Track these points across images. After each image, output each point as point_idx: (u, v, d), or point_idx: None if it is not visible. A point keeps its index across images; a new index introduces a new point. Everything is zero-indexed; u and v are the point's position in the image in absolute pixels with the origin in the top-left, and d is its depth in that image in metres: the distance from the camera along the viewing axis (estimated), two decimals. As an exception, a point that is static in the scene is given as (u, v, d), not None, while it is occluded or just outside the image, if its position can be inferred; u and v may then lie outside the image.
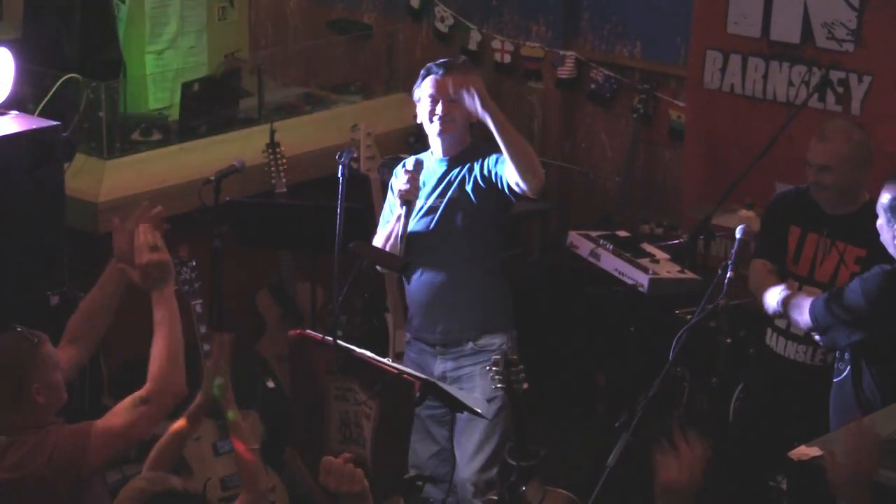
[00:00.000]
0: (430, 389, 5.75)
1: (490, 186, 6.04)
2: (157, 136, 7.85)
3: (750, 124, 6.90)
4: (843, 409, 5.40)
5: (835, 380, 5.61)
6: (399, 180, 6.07)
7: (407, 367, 6.06)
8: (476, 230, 6.18)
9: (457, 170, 6.16)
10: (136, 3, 8.42)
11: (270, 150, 7.30)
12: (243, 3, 9.02)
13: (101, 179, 7.22)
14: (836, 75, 6.77)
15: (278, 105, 8.35)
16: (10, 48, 6.52)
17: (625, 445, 5.22)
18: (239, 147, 7.52)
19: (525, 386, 5.69)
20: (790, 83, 6.94)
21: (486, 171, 6.09)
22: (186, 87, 8.08)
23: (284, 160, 7.32)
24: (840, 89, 6.79)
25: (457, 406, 5.78)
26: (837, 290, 5.45)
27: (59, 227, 6.52)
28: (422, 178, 6.15)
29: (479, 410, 5.84)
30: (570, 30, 8.08)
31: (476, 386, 6.16)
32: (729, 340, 6.31)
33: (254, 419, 6.78)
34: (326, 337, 5.74)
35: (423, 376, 6.05)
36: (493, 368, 5.57)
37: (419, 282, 6.26)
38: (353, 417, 6.11)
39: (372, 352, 5.87)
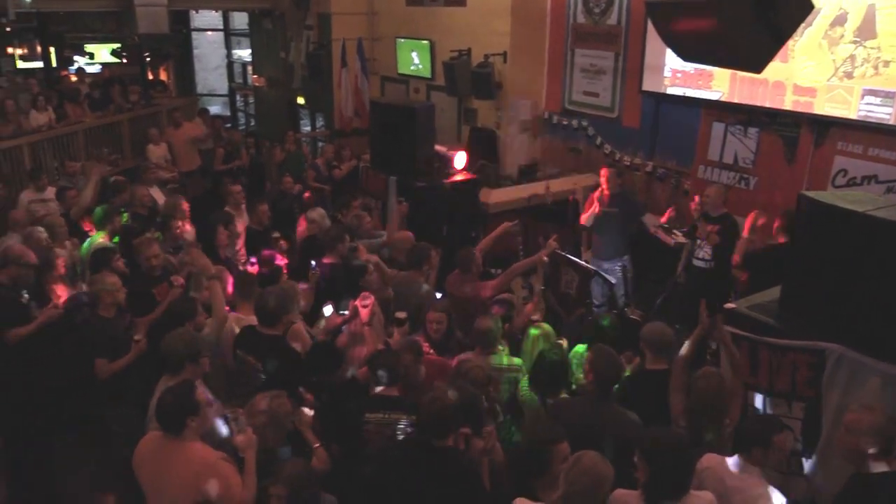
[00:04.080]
0: (594, 274, 7.00)
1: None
2: (507, 183, 8.69)
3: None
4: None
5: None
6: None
7: (592, 264, 6.90)
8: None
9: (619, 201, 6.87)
10: (504, 130, 9.27)
11: (548, 189, 7.81)
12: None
13: (491, 195, 7.82)
14: (744, 176, 7.20)
15: (551, 175, 8.75)
16: (465, 150, 7.83)
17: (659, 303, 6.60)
18: (535, 188, 8.03)
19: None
20: (729, 179, 7.28)
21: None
22: (521, 167, 9.08)
23: (550, 191, 7.81)
24: (745, 180, 7.19)
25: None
26: None
27: (478, 211, 7.60)
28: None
29: (613, 281, 6.99)
30: (650, 154, 8.25)
31: (618, 272, 7.05)
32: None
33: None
34: (564, 254, 6.94)
35: (592, 268, 6.99)
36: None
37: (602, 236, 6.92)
38: (567, 279, 7.22)
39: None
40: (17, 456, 4.61)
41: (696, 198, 6.39)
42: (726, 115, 7.39)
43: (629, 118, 8.55)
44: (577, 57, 9.03)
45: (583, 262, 7.10)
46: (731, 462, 3.33)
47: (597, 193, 7.00)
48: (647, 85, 8.18)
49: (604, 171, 7.09)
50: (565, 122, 9.34)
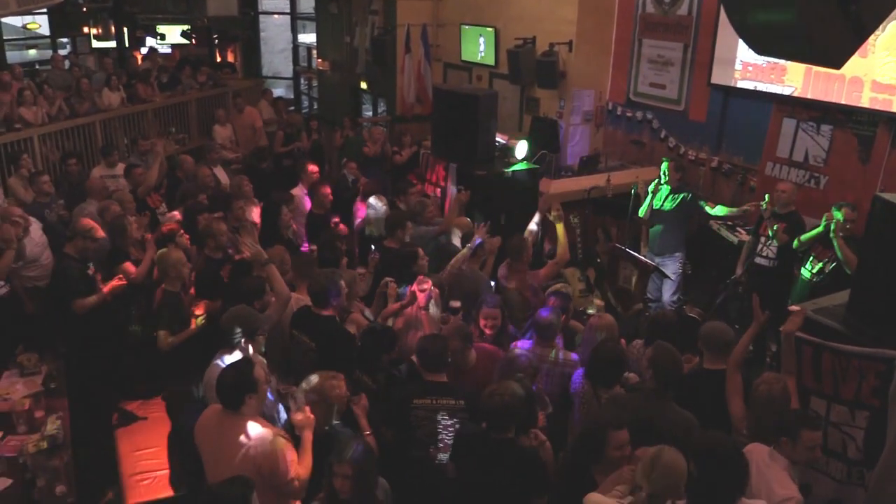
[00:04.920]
0: (654, 269, 7.00)
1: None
2: (567, 174, 8.39)
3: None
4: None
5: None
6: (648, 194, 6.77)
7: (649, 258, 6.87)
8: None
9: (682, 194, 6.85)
10: (567, 121, 9.09)
11: (609, 181, 7.55)
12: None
13: (551, 185, 7.60)
14: (814, 175, 7.04)
15: (612, 167, 8.40)
16: (526, 140, 7.52)
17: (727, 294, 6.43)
18: (596, 180, 7.80)
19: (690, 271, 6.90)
20: (798, 178, 7.12)
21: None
22: (583, 158, 8.67)
23: (611, 184, 7.57)
24: (815, 179, 7.04)
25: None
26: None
27: (535, 200, 6.93)
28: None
29: (672, 277, 6.83)
30: (716, 149, 8.11)
31: (670, 268, 6.93)
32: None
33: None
34: (624, 248, 7.02)
35: (650, 262, 6.92)
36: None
37: (658, 232, 6.90)
38: (625, 273, 7.30)
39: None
40: (82, 419, 4.77)
41: (769, 196, 6.28)
42: (799, 110, 7.19)
43: (696, 111, 8.40)
44: (645, 47, 8.91)
45: (642, 258, 7.02)
46: (768, 450, 3.34)
47: (654, 186, 6.92)
48: (717, 78, 8.01)
49: (664, 165, 7.00)
50: (629, 114, 9.20)
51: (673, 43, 8.54)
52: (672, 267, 6.96)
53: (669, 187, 6.85)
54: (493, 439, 3.39)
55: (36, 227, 5.96)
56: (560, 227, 5.56)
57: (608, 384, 3.95)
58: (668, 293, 7.00)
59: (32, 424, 4.44)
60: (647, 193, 6.96)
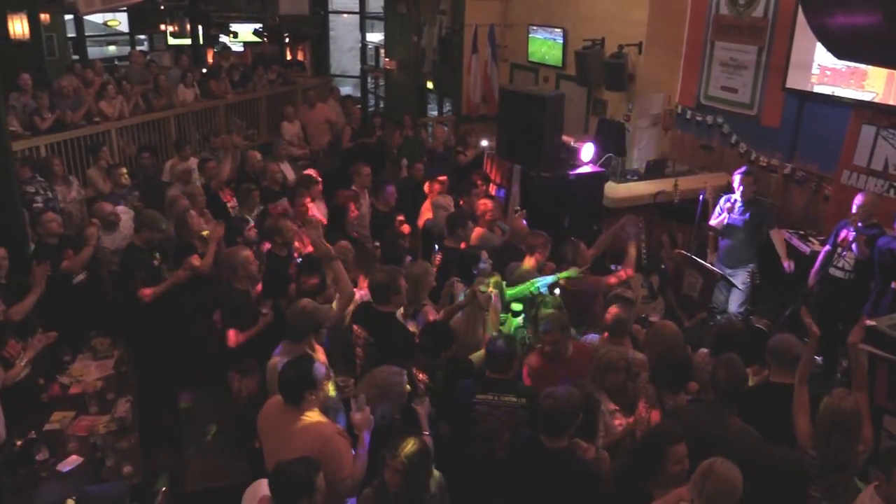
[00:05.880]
0: (720, 278, 6.78)
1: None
2: (633, 178, 8.21)
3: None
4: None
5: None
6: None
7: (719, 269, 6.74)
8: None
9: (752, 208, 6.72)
10: (634, 124, 9.21)
11: (676, 186, 7.46)
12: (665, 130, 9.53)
13: (617, 190, 7.71)
14: (894, 185, 6.76)
15: (680, 172, 8.25)
16: (592, 142, 7.53)
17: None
18: (663, 185, 7.70)
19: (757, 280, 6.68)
20: (877, 187, 6.84)
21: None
22: (650, 162, 8.63)
23: (679, 189, 7.45)
24: (895, 189, 6.77)
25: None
26: None
27: (599, 204, 7.39)
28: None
29: (740, 287, 6.65)
30: (789, 156, 7.88)
31: (739, 279, 6.77)
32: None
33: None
34: (690, 255, 6.87)
35: (717, 271, 6.72)
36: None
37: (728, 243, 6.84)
38: (690, 280, 6.97)
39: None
40: (148, 406, 4.91)
41: (855, 207, 6.10)
42: (879, 117, 6.92)
43: (769, 117, 8.19)
44: (717, 50, 8.74)
45: (709, 266, 6.85)
46: (871, 491, 3.20)
47: (726, 203, 6.76)
48: (792, 82, 7.83)
49: (740, 177, 6.78)
50: (699, 118, 9.05)
51: (747, 46, 8.34)
52: (741, 277, 6.78)
53: (743, 200, 6.69)
54: (548, 449, 3.34)
55: (127, 218, 6.16)
56: (632, 246, 5.54)
57: (675, 389, 3.87)
58: (734, 304, 6.83)
59: (103, 406, 4.59)
60: (718, 204, 6.81)
